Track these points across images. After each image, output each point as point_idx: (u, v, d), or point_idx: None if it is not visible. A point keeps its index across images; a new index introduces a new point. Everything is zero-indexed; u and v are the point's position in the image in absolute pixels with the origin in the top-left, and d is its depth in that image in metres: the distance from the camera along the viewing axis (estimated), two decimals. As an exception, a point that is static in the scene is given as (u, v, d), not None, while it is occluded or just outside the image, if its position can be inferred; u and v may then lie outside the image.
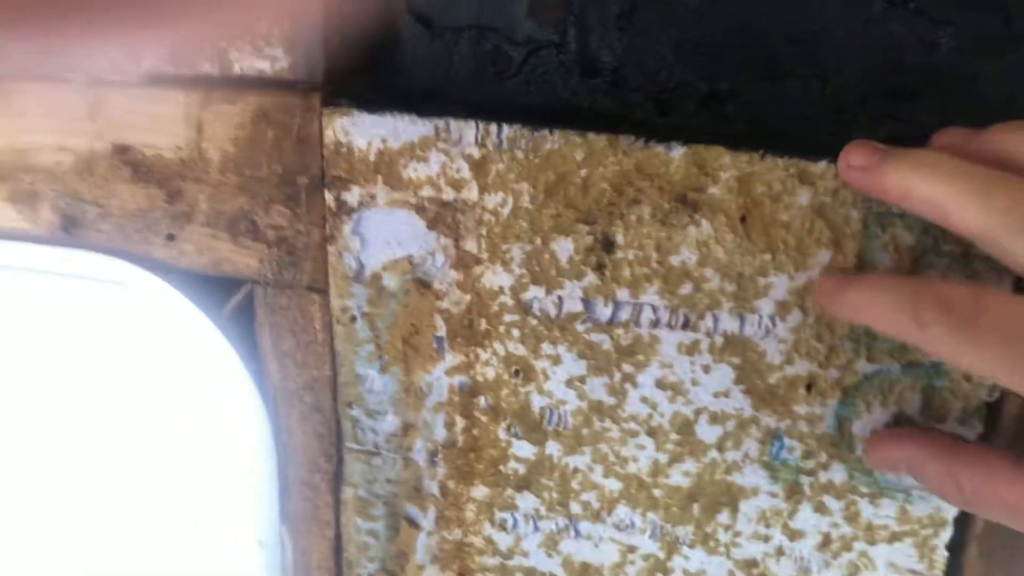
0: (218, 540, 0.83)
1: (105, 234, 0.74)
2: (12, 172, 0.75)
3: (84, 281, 0.75)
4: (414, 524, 0.78)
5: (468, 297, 0.68)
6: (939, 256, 0.58)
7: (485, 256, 0.66)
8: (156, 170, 0.71)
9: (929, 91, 0.60)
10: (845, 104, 0.61)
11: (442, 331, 0.70)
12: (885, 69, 0.60)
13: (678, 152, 0.61)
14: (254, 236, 0.72)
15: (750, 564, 0.70)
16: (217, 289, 0.75)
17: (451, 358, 0.71)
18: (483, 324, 0.69)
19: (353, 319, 0.72)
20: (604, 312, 0.66)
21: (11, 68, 0.68)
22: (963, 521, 0.65)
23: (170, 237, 0.73)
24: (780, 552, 0.69)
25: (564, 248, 0.65)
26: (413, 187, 0.66)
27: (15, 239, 0.77)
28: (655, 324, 0.65)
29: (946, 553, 0.66)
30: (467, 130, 0.63)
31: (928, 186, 0.48)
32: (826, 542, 0.68)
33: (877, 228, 0.59)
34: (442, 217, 0.66)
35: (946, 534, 0.66)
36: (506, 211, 0.65)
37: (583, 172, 0.62)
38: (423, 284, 0.69)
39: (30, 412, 0.84)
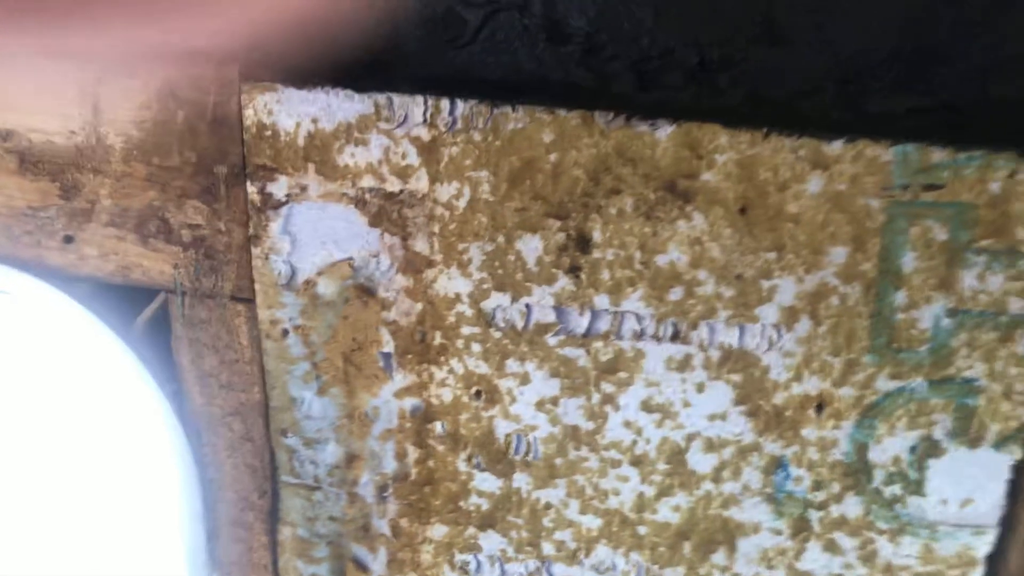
0: (137, 588, 0.72)
1: (-11, 236, 0.63)
2: None
3: (-34, 292, 0.63)
4: (362, 567, 0.68)
5: (419, 306, 0.58)
6: (977, 253, 0.49)
7: (438, 258, 0.56)
8: (47, 159, 0.60)
9: (959, 54, 0.51)
10: (860, 71, 0.52)
11: (389, 346, 0.60)
12: (905, 29, 0.51)
13: (666, 132, 0.51)
14: (166, 237, 0.61)
15: (750, 611, 0.61)
16: (126, 300, 0.64)
17: (401, 378, 0.60)
18: (437, 338, 0.59)
19: (285, 333, 0.61)
20: (580, 322, 0.56)
21: None
22: (996, 559, 0.57)
23: (67, 239, 0.62)
24: (785, 597, 0.60)
25: (532, 247, 0.55)
26: (351, 176, 0.55)
27: None
28: (639, 336, 0.56)
29: (978, 596, 0.57)
30: (414, 107, 0.53)
31: None
32: (838, 585, 0.59)
33: (904, 221, 0.50)
34: (386, 212, 0.56)
35: (977, 574, 0.57)
36: (462, 204, 0.54)
37: (553, 157, 0.52)
38: (366, 291, 0.58)
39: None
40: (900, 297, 0.51)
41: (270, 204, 0.57)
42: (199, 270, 0.61)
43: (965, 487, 0.55)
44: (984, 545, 0.56)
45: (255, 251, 0.59)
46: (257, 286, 0.60)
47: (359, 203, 0.56)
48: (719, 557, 0.60)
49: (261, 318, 0.61)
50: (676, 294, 0.54)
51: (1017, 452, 0.53)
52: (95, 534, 0.70)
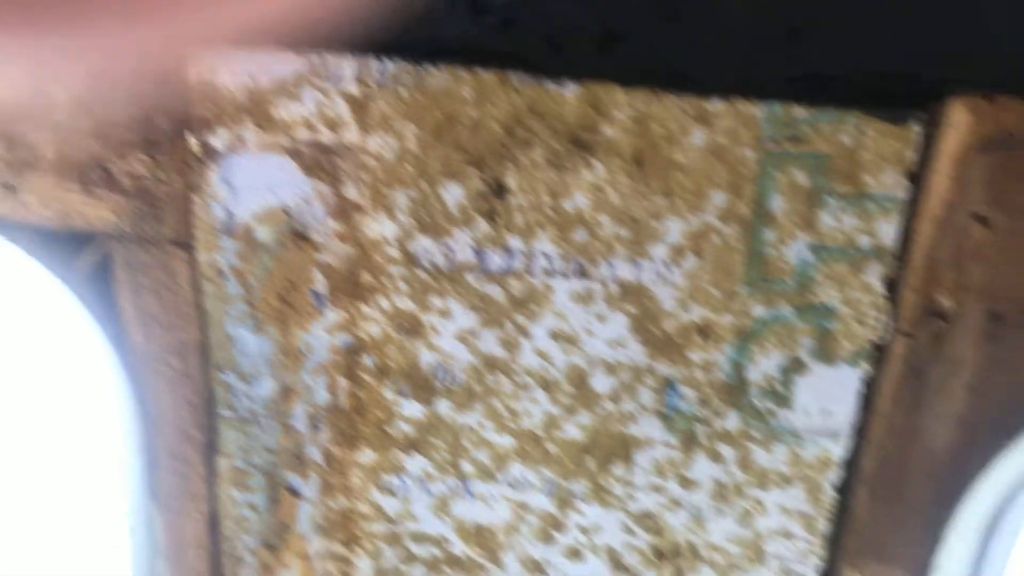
0: (78, 522, 0.76)
1: (-69, 184, 0.66)
2: None
3: (-92, 238, 0.66)
4: (296, 494, 0.74)
5: (350, 249, 0.64)
6: (832, 196, 0.58)
7: (368, 204, 0.62)
8: (-10, 111, 0.63)
9: (827, 30, 0.59)
10: (743, 44, 0.60)
11: (321, 286, 0.65)
12: (783, 10, 0.58)
13: (572, 91, 0.58)
14: (109, 186, 0.65)
15: (645, 516, 0.69)
16: (69, 246, 0.68)
17: (332, 315, 0.66)
18: (367, 277, 0.65)
19: (223, 275, 0.66)
20: (496, 262, 0.63)
21: None
22: (851, 463, 0.66)
23: (9, 188, 0.65)
24: (675, 503, 0.68)
25: (453, 194, 0.61)
26: (287, 129, 0.60)
27: None
28: (549, 273, 0.63)
29: (834, 494, 0.67)
30: (345, 66, 0.58)
31: None
32: (720, 490, 0.68)
33: (773, 169, 0.58)
34: (320, 162, 0.61)
35: (834, 475, 0.66)
36: (390, 154, 0.60)
37: (473, 112, 0.59)
38: (300, 235, 0.64)
39: None
40: (770, 235, 0.59)
41: (210, 155, 0.61)
42: (140, 217, 0.65)
43: (825, 399, 0.64)
44: (840, 449, 0.65)
45: (195, 199, 0.63)
46: (197, 231, 0.64)
47: (294, 153, 0.61)
48: (619, 470, 0.68)
49: (200, 261, 0.65)
50: (581, 236, 0.61)
51: (866, 367, 0.62)
52: (38, 469, 0.74)
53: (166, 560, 0.79)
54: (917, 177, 0.58)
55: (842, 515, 0.68)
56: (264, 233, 0.64)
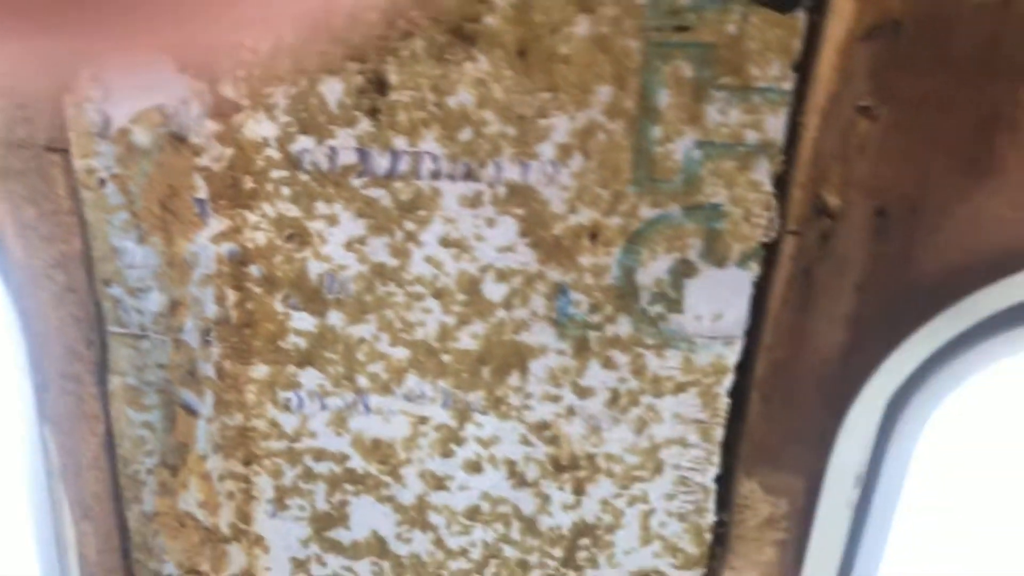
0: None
1: None
2: None
3: None
4: (192, 411, 0.72)
5: (229, 151, 0.61)
6: (718, 89, 0.57)
7: (246, 102, 0.60)
8: None
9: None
10: (625, -67, 0.58)
11: (203, 192, 0.63)
12: None
13: (450, -21, 0.56)
14: (-25, 86, 0.62)
15: (542, 426, 0.69)
16: (-62, 153, 0.65)
17: (216, 223, 0.64)
18: (249, 182, 0.62)
19: (102, 182, 0.63)
20: (381, 163, 0.61)
21: None
22: (744, 367, 0.66)
23: None
24: (571, 412, 0.68)
25: (333, 90, 0.59)
26: (158, 22, 0.58)
27: None
28: (436, 175, 0.61)
29: (728, 400, 0.67)
30: (214, -48, 0.56)
31: None
32: (615, 398, 0.67)
33: (658, 61, 0.57)
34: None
35: (728, 381, 0.66)
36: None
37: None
38: (178, 138, 0.61)
39: None
40: (657, 131, 0.58)
41: (78, 50, 0.59)
42: (11, 120, 0.62)
43: (716, 303, 0.63)
44: (733, 354, 0.65)
45: (68, 100, 0.61)
46: (71, 135, 0.62)
47: (167, 49, 0.58)
48: (514, 379, 0.67)
49: (77, 167, 0.63)
50: (467, 134, 0.59)
51: (756, 268, 0.62)
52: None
53: (63, 484, 0.77)
54: (803, 68, 0.57)
55: (736, 422, 0.67)
56: (141, 136, 0.62)
